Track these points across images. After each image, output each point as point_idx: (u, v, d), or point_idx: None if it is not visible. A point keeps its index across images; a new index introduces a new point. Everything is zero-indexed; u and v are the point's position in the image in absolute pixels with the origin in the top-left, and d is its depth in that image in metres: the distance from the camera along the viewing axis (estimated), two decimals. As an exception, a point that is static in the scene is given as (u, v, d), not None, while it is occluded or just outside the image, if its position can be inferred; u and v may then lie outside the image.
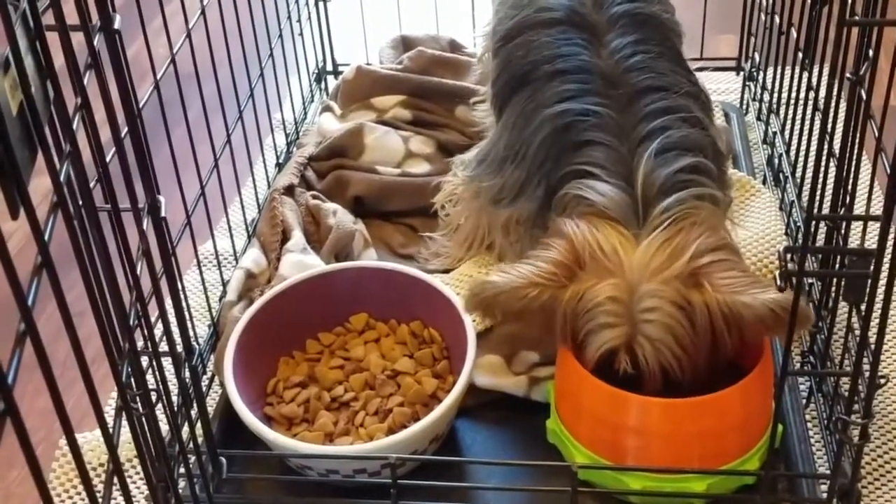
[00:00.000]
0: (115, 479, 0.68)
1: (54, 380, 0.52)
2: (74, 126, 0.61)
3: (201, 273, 1.20)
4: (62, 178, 0.55)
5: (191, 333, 1.09)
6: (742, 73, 1.68)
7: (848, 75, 0.87)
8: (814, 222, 1.09)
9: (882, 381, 0.94)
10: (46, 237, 0.51)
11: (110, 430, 0.63)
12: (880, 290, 0.77)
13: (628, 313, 0.93)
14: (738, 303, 0.90)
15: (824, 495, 0.94)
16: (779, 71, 1.43)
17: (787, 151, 1.35)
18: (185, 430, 0.93)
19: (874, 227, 0.82)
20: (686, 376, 0.95)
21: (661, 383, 0.96)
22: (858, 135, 0.90)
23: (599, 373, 0.97)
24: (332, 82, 1.74)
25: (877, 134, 0.88)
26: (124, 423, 0.74)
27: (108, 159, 0.71)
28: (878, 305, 0.80)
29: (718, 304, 0.91)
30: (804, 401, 1.10)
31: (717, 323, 0.92)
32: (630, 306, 0.93)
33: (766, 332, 0.92)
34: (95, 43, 0.68)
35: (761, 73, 1.57)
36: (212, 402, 1.14)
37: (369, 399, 1.10)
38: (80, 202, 0.63)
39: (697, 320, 0.92)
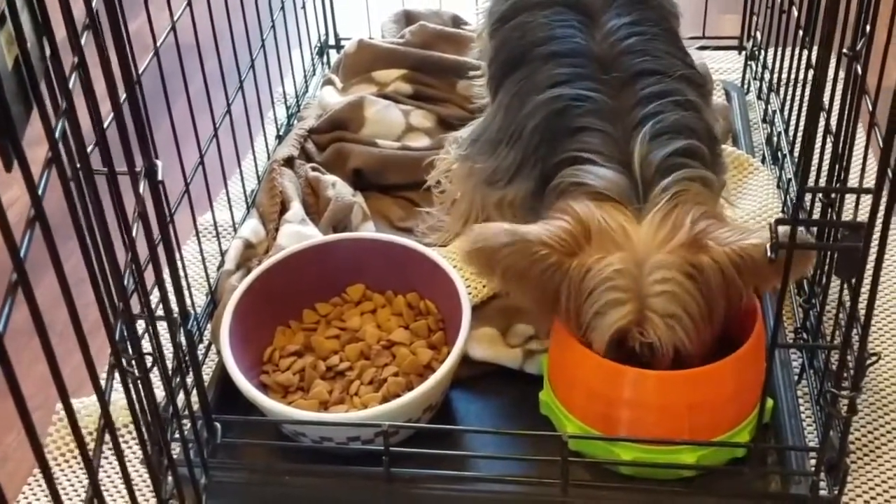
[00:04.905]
0: (109, 440, 0.69)
1: (48, 339, 0.52)
2: (71, 85, 0.61)
3: (199, 243, 1.21)
4: (57, 134, 0.56)
5: (188, 300, 1.10)
6: (744, 53, 1.68)
7: (844, 51, 0.88)
8: (809, 196, 1.10)
9: (873, 357, 0.95)
10: (40, 192, 0.52)
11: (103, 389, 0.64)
12: (871, 264, 0.78)
13: (637, 287, 0.93)
14: (747, 246, 0.91)
15: (813, 469, 0.95)
16: (780, 50, 1.43)
17: (787, 130, 1.35)
18: (181, 395, 0.94)
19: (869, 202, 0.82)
20: (695, 351, 0.96)
21: (672, 359, 0.96)
22: (854, 110, 0.90)
23: (609, 355, 0.97)
24: (334, 56, 1.74)
25: (870, 108, 0.88)
26: (120, 386, 0.75)
27: (106, 123, 0.72)
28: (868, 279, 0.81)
29: (727, 255, 0.92)
30: (796, 376, 1.11)
31: (729, 274, 0.92)
32: (639, 279, 0.93)
33: (776, 272, 0.89)
34: (94, 3, 0.68)
35: (763, 52, 1.57)
36: (209, 370, 1.15)
37: (364, 369, 1.10)
38: (78, 164, 0.64)
39: (710, 281, 0.93)
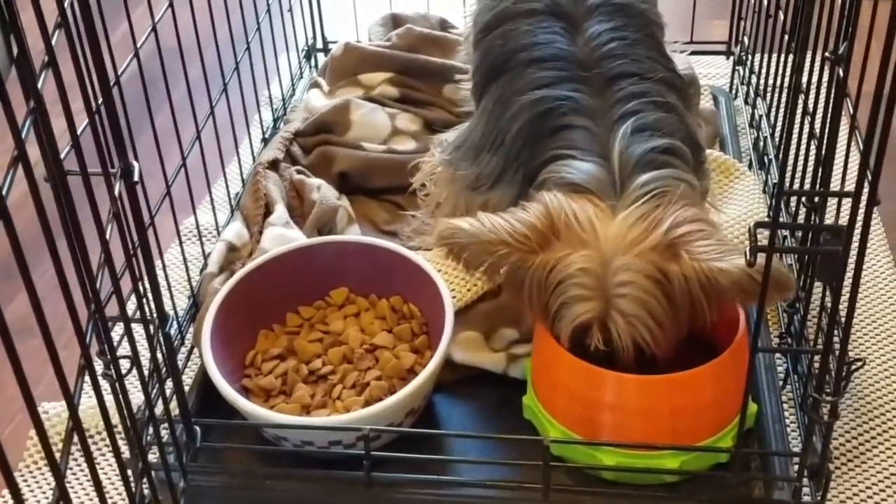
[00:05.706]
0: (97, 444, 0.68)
1: (11, 340, 0.52)
2: (40, 84, 0.60)
3: (181, 246, 1.20)
4: (24, 134, 0.55)
5: (168, 303, 1.09)
6: (732, 57, 1.67)
7: (826, 55, 0.87)
8: (794, 201, 1.10)
9: (858, 363, 0.94)
10: (4, 191, 0.51)
11: (71, 390, 0.64)
12: (851, 268, 0.77)
13: (601, 286, 0.92)
14: (714, 269, 0.89)
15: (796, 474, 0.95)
16: (766, 55, 1.43)
17: (773, 134, 1.35)
18: (160, 400, 0.93)
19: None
20: (660, 351, 0.95)
21: (634, 359, 0.96)
22: (835, 114, 0.90)
23: (574, 348, 0.97)
24: (322, 60, 1.73)
25: (852, 112, 0.88)
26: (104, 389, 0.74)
27: (84, 125, 0.71)
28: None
29: (696, 272, 0.90)
30: (781, 381, 1.11)
31: (695, 292, 0.91)
32: (604, 279, 0.92)
33: (745, 299, 0.91)
34: (67, 4, 0.68)
35: (750, 57, 1.57)
36: (192, 374, 1.14)
37: (347, 372, 1.10)
38: (53, 165, 0.63)
39: (675, 293, 0.92)
